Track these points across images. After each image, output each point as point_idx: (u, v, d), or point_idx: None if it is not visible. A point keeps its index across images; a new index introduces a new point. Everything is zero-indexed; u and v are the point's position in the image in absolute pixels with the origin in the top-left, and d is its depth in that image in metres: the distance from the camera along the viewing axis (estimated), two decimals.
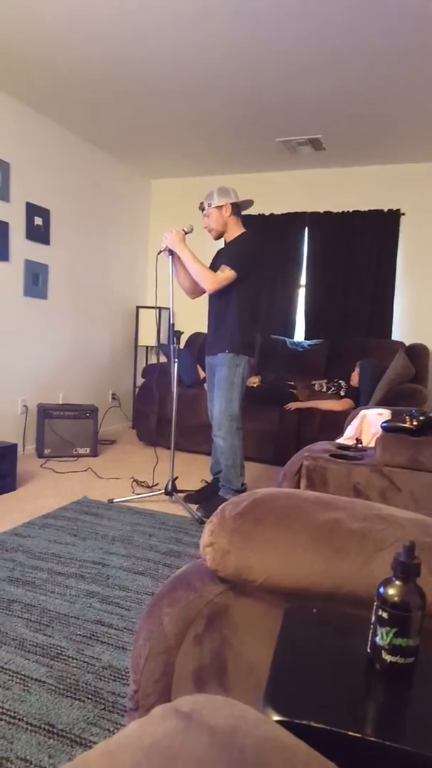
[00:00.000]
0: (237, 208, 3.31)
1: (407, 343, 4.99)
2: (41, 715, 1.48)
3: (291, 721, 0.64)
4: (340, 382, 4.74)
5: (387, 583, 0.74)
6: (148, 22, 3.09)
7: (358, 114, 4.15)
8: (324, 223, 5.41)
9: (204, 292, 3.42)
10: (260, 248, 3.36)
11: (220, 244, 3.45)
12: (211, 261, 3.41)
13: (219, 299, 3.28)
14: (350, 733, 0.63)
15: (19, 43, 3.39)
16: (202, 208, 3.31)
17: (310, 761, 0.51)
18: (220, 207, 3.26)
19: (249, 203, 3.39)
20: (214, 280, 3.17)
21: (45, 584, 2.27)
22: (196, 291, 3.46)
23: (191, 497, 3.48)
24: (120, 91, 3.99)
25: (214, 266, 3.30)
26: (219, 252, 3.43)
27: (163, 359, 6.01)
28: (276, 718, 0.64)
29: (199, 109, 4.21)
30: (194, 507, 3.30)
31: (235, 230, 3.31)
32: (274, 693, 0.69)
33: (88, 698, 1.57)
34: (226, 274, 3.16)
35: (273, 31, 3.11)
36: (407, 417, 2.12)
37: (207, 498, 3.43)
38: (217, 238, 3.36)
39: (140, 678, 0.98)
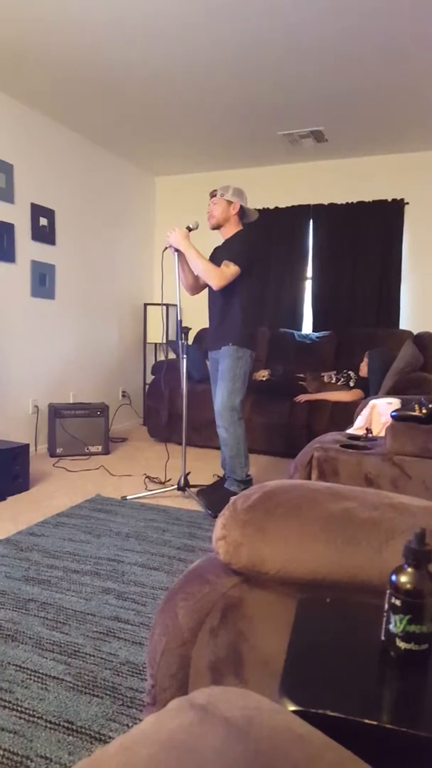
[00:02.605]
0: (243, 212, 3.36)
1: (415, 332, 4.97)
2: (60, 713, 1.49)
3: (307, 711, 0.64)
4: (349, 372, 4.73)
5: (399, 570, 0.74)
6: (149, 20, 3.08)
7: (360, 105, 4.12)
8: (328, 215, 5.39)
9: (203, 288, 3.44)
10: (260, 243, 3.39)
11: (217, 234, 3.44)
12: (209, 258, 3.41)
13: (221, 294, 3.29)
14: (366, 721, 0.63)
15: (21, 45, 3.40)
16: (213, 195, 3.34)
17: (326, 750, 0.51)
18: (230, 202, 3.29)
19: (254, 214, 3.44)
20: (221, 277, 3.18)
21: (61, 582, 2.28)
22: (196, 288, 3.50)
23: (204, 492, 3.49)
24: (122, 90, 3.98)
25: (213, 263, 3.31)
26: (216, 249, 3.45)
27: (171, 356, 6.01)
28: (292, 708, 0.64)
29: (200, 105, 4.20)
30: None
31: (234, 228, 3.35)
32: (289, 683, 0.69)
33: (106, 694, 1.58)
34: (231, 269, 3.18)
35: (273, 23, 3.09)
36: (417, 406, 2.11)
37: (213, 490, 3.44)
38: (214, 228, 3.38)
39: (157, 672, 0.98)
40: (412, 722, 0.63)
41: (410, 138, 4.76)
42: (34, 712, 1.49)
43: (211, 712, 0.54)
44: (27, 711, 1.50)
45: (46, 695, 1.56)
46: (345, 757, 0.50)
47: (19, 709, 1.51)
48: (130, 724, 1.46)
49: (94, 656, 1.77)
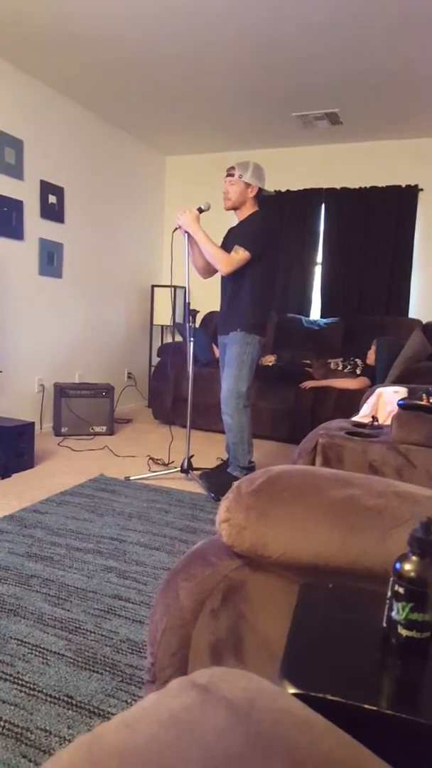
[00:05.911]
0: (260, 193, 3.29)
1: (424, 321, 4.93)
2: (60, 687, 1.51)
3: (307, 694, 0.64)
4: (356, 360, 4.71)
5: (403, 558, 0.74)
6: None
7: (376, 88, 4.05)
8: (341, 200, 5.34)
9: (216, 271, 3.39)
10: (274, 227, 3.31)
11: (231, 215, 3.40)
12: (222, 239, 3.38)
13: (232, 279, 3.26)
14: (366, 706, 0.63)
15: (33, 21, 3.35)
16: (230, 173, 3.22)
17: (326, 734, 0.51)
18: (249, 184, 3.22)
19: (270, 195, 3.44)
20: (229, 262, 3.15)
21: (63, 559, 2.30)
22: (209, 271, 3.44)
23: (206, 475, 3.49)
24: (134, 67, 3.93)
25: (226, 245, 3.27)
26: (230, 230, 3.39)
27: (178, 338, 6.00)
28: (292, 691, 0.65)
29: (213, 84, 4.15)
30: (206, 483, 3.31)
31: (249, 209, 3.28)
32: (290, 666, 0.69)
33: (106, 671, 1.59)
34: (240, 255, 3.13)
35: (290, 3, 3.03)
36: (423, 395, 2.10)
37: (216, 474, 3.44)
38: (230, 209, 3.31)
39: (157, 651, 0.99)
40: (411, 708, 0.63)
41: (427, 123, 4.69)
42: (35, 686, 1.51)
43: (213, 692, 0.54)
44: (28, 684, 1.52)
45: (47, 670, 1.58)
46: (346, 741, 0.50)
47: (20, 682, 1.52)
48: (129, 701, 1.47)
49: (94, 633, 1.78)
